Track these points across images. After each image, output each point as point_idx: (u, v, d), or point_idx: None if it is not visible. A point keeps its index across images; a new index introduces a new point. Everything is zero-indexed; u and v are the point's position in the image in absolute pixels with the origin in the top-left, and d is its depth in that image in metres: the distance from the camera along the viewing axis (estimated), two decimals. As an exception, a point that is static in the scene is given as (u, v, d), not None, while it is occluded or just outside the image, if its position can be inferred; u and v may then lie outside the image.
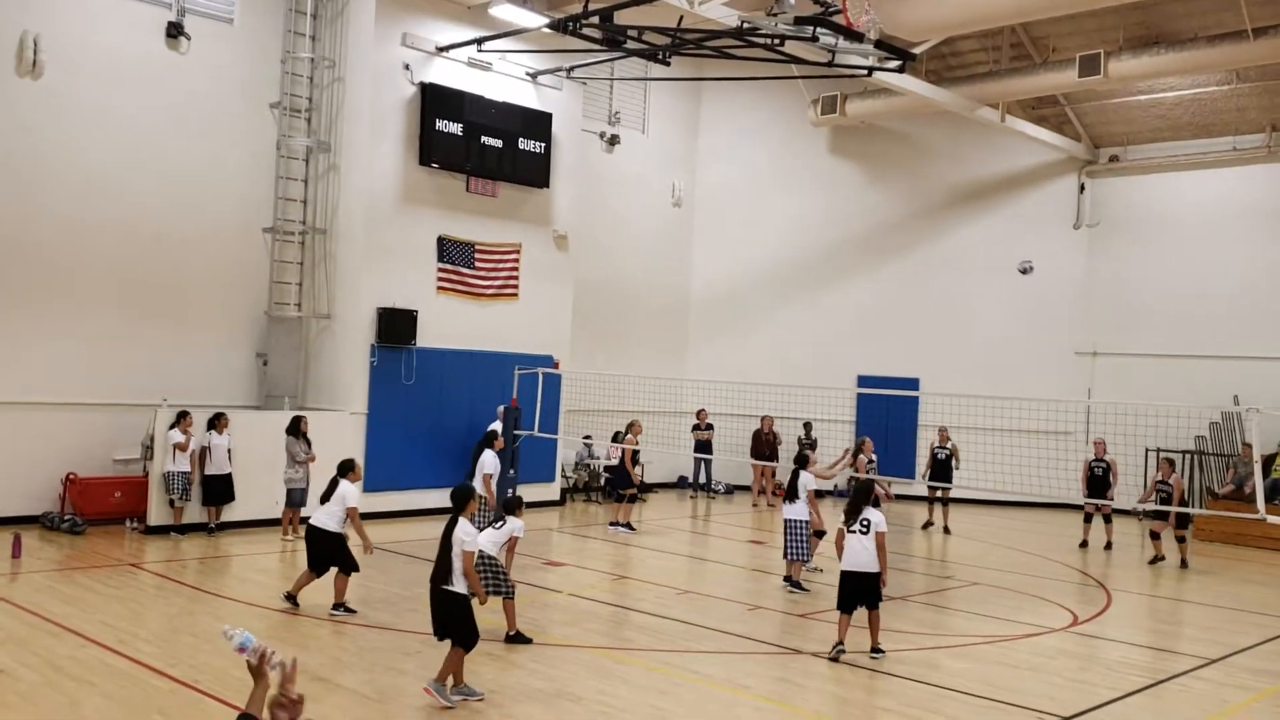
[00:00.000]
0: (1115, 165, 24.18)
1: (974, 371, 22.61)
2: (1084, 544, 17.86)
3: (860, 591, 10.10)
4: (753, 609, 12.14)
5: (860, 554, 10.08)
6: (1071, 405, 21.61)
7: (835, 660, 9.90)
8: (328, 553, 11.06)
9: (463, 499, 8.68)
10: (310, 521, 11.36)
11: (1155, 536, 16.57)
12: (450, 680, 8.27)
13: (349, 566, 11.13)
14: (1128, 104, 23.28)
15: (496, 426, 18.27)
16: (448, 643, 8.36)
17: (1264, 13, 18.20)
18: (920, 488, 21.41)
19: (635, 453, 17.61)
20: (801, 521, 12.99)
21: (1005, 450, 18.12)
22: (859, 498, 10.31)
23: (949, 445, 19.14)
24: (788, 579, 13.16)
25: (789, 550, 13.05)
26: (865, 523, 10.11)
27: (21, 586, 11.70)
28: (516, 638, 10.07)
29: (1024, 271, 21.18)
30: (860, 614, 10.19)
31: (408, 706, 8.08)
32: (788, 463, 16.23)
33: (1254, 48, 18.11)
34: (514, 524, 10.26)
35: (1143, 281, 23.41)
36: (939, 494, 19.28)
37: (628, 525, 17.34)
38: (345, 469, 11.41)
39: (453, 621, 8.31)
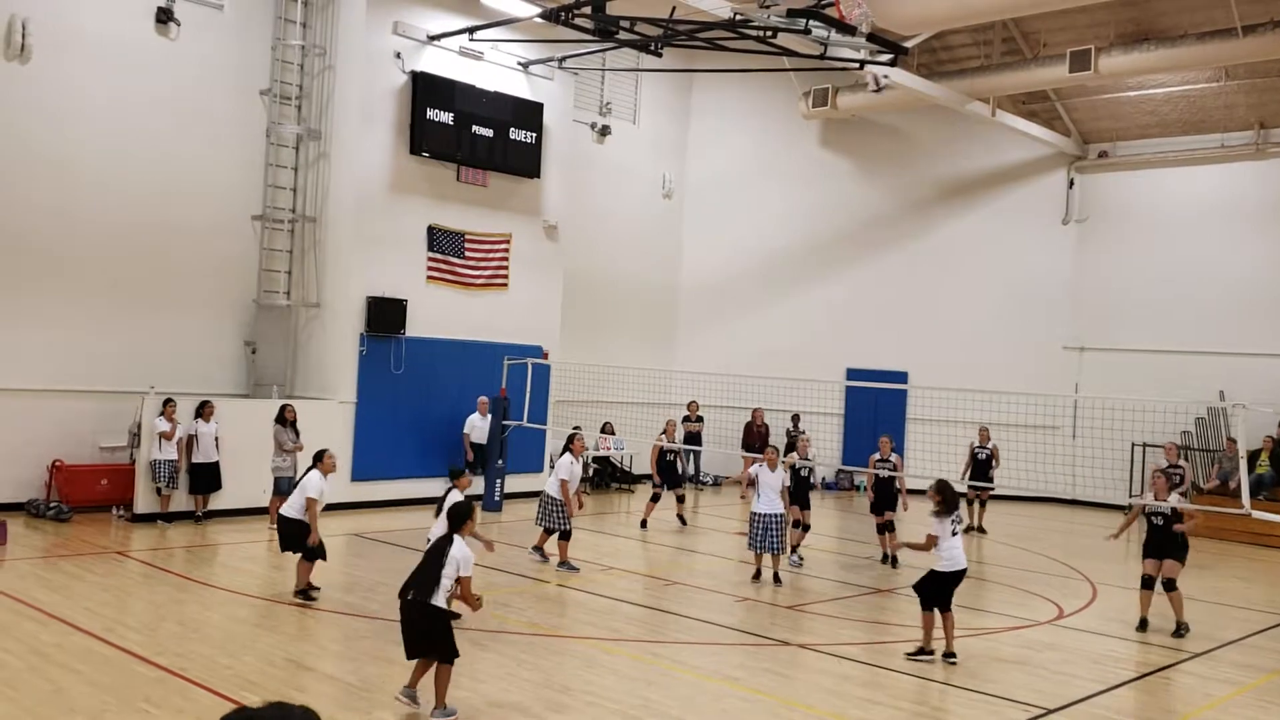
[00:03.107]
0: (1104, 161, 24.26)
1: (962, 365, 22.67)
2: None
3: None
4: (741, 600, 12.17)
5: (961, 553, 10.06)
6: (1059, 400, 21.71)
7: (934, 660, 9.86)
8: (290, 538, 11.24)
9: (459, 518, 8.11)
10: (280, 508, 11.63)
11: (1149, 585, 11.71)
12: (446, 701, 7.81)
13: (309, 553, 11.17)
14: (1117, 100, 23.35)
15: (474, 418, 18.20)
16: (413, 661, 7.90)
17: (1253, 10, 18.27)
18: (920, 483, 21.58)
19: (664, 450, 17.54)
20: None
21: (993, 444, 18.22)
22: (957, 497, 10.22)
23: (990, 446, 18.27)
24: (562, 563, 13.40)
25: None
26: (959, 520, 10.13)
27: (6, 574, 11.66)
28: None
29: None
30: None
31: (393, 695, 8.07)
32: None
33: (1243, 45, 18.17)
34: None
35: (1130, 277, 23.52)
36: (979, 495, 18.46)
37: (642, 524, 17.35)
38: (316, 458, 11.52)
39: (438, 639, 7.70)
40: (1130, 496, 18.05)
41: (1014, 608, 12.52)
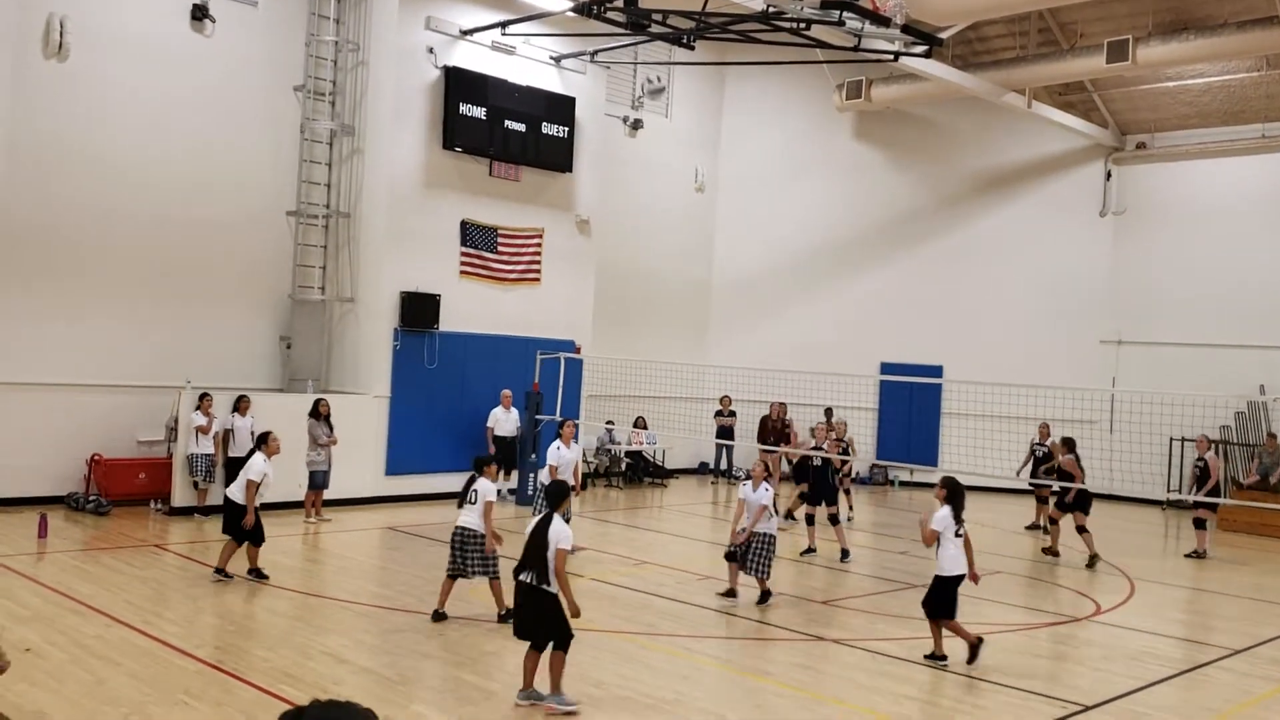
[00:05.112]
0: (1142, 152, 23.95)
1: (998, 359, 22.44)
2: None
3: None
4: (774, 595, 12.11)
5: (961, 559, 9.51)
6: (1096, 394, 21.47)
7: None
8: (233, 522, 11.41)
9: (559, 496, 8.28)
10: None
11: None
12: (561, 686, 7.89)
13: (247, 538, 11.39)
14: (1155, 90, 23.04)
15: (497, 411, 18.12)
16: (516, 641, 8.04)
17: (1295, -2, 17.98)
18: (928, 475, 21.53)
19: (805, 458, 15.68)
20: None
21: (1029, 438, 18.05)
22: (963, 496, 9.60)
23: (1048, 443, 17.73)
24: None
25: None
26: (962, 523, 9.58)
27: (47, 566, 11.82)
28: (507, 616, 9.54)
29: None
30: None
31: (429, 689, 8.12)
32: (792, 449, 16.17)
33: (1284, 34, 17.88)
34: (484, 486, 10.08)
35: (1169, 269, 23.20)
36: (1045, 493, 17.68)
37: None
38: (260, 441, 11.73)
39: (549, 623, 7.85)
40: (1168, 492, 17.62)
41: (1051, 603, 12.41)
